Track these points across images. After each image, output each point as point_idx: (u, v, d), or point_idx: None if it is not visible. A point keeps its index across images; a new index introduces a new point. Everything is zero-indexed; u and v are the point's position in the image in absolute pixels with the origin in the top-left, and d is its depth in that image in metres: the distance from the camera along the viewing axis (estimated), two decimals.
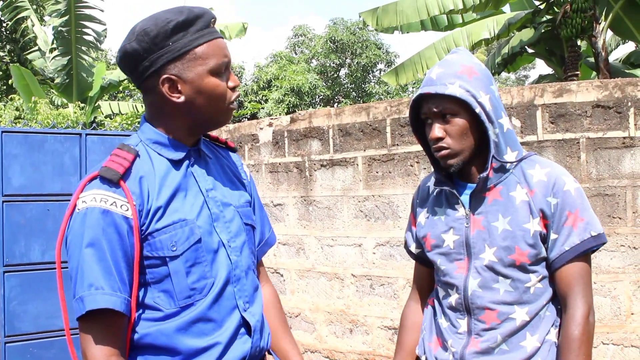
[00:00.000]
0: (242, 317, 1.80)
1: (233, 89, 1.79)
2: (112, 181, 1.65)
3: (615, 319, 4.05)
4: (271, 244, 2.12)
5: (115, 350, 1.61)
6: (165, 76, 1.70)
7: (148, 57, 1.70)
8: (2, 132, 5.23)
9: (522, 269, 1.93)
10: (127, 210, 1.64)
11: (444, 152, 1.96)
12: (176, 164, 1.78)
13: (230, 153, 2.05)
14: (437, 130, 1.95)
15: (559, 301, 1.97)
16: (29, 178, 5.28)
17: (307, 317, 5.37)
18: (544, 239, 1.93)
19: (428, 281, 2.23)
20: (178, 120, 1.77)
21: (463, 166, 1.98)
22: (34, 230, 5.26)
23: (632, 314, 4.04)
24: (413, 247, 2.26)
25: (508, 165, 1.97)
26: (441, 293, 2.09)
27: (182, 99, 1.72)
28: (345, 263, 5.09)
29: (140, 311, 1.69)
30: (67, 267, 1.68)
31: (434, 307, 2.15)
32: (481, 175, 1.96)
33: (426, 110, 1.98)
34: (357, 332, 5.08)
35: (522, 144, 4.26)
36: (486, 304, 1.95)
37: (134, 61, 1.72)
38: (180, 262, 1.69)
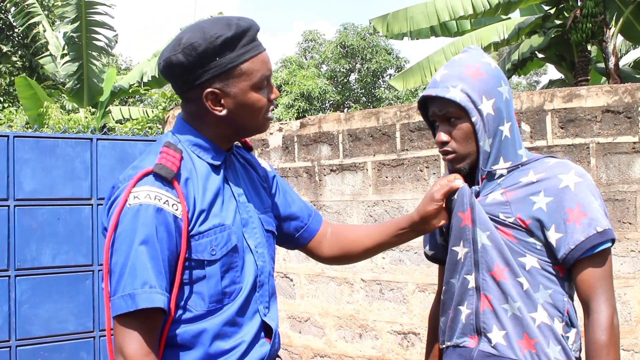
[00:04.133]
0: (262, 322, 1.81)
1: (272, 99, 1.81)
2: (166, 179, 1.65)
3: (625, 325, 4.04)
4: (314, 230, 2.15)
5: (152, 348, 1.62)
6: (209, 90, 1.70)
7: (194, 71, 1.69)
8: (14, 136, 5.27)
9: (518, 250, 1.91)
10: (177, 210, 1.65)
11: (449, 156, 1.96)
12: (215, 168, 1.79)
13: (247, 152, 2.05)
14: (441, 135, 1.94)
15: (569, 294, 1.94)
16: (40, 182, 5.31)
17: (317, 322, 5.37)
18: (531, 231, 1.89)
19: None
20: (217, 129, 1.78)
21: (471, 170, 1.96)
22: (45, 234, 5.28)
23: None
24: (427, 249, 2.25)
25: (497, 174, 1.94)
26: (450, 258, 2.04)
27: (224, 112, 1.73)
28: (354, 268, 5.09)
29: (178, 311, 1.70)
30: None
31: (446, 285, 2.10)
32: (473, 188, 1.95)
33: (431, 113, 1.98)
34: (366, 336, 5.08)
35: (532, 149, 4.26)
36: (495, 259, 1.92)
37: (178, 72, 1.71)
38: (217, 266, 1.71)
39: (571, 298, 1.95)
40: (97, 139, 5.60)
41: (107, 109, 15.16)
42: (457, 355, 2.01)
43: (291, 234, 2.11)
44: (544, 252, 1.89)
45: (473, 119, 1.87)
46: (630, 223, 4.09)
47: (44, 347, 5.23)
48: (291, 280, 5.54)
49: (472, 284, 1.96)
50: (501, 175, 1.94)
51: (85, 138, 5.59)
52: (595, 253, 1.84)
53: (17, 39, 20.80)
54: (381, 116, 5.07)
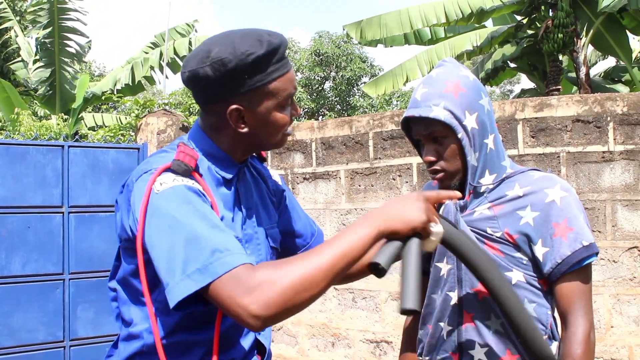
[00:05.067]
0: (256, 340, 1.78)
1: (294, 117, 1.75)
2: (186, 173, 1.58)
3: (595, 332, 4.08)
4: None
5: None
6: (234, 107, 1.63)
7: (220, 86, 1.63)
8: None
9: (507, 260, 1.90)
10: (207, 199, 1.58)
11: (439, 175, 1.92)
12: (226, 181, 1.74)
13: (259, 163, 1.99)
14: (429, 154, 1.90)
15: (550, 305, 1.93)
16: (10, 190, 5.25)
17: (289, 331, 5.36)
18: (518, 246, 1.88)
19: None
20: (235, 142, 1.72)
21: (460, 184, 1.94)
22: (15, 242, 5.22)
23: (612, 327, 4.07)
24: None
25: (483, 189, 1.92)
26: (433, 273, 2.01)
27: (245, 129, 1.67)
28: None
29: (178, 316, 1.64)
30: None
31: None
32: (458, 202, 1.93)
33: (416, 133, 1.93)
34: (339, 345, 5.08)
35: None
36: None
37: (203, 85, 1.64)
38: None
39: (553, 315, 1.95)
40: (69, 146, 5.55)
41: (80, 116, 15.03)
42: None
43: (291, 251, 2.01)
44: (530, 266, 1.89)
45: (459, 135, 1.84)
46: (599, 232, 4.14)
47: (13, 357, 5.17)
48: None
49: (454, 301, 1.95)
50: (487, 188, 1.93)
51: (57, 145, 5.54)
52: (579, 268, 1.85)
53: None
54: (354, 125, 5.08)
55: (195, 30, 16.18)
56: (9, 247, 5.20)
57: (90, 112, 16.01)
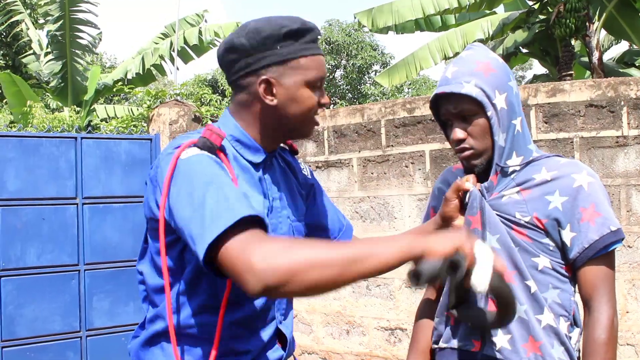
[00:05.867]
0: (277, 329, 1.80)
1: (322, 105, 1.78)
2: (212, 149, 1.62)
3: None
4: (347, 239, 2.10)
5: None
6: (264, 77, 1.69)
7: (253, 55, 1.70)
8: None
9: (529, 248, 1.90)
10: (228, 172, 1.61)
11: (467, 153, 1.91)
12: (254, 167, 1.76)
13: (291, 156, 2.02)
14: (458, 132, 1.90)
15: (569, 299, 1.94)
16: (24, 182, 5.27)
17: (304, 319, 5.38)
18: (547, 231, 1.89)
19: None
20: (264, 122, 1.75)
21: (487, 166, 1.94)
22: (30, 234, 5.25)
23: (627, 312, 4.06)
24: None
25: (510, 170, 1.92)
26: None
27: (274, 102, 1.71)
28: None
29: (199, 298, 1.67)
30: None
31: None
32: (483, 185, 1.94)
33: (444, 112, 1.94)
34: (353, 333, 5.09)
35: None
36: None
37: (238, 55, 1.71)
38: None
39: (576, 301, 1.96)
40: (82, 138, 5.57)
41: (92, 108, 15.07)
42: (458, 358, 2.00)
43: None
44: (557, 252, 1.90)
45: (489, 114, 1.85)
46: None
47: (30, 348, 5.20)
48: None
49: None
50: (514, 171, 1.93)
51: (70, 137, 5.56)
52: (604, 253, 1.86)
53: None
54: (366, 112, 5.07)
55: (205, 20, 16.17)
56: (24, 238, 5.23)
57: (102, 103, 16.05)
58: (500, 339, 1.91)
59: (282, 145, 1.95)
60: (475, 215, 1.94)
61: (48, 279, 5.29)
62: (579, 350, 1.96)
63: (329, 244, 1.48)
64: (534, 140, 4.27)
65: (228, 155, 1.69)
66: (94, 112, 15.26)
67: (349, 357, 5.11)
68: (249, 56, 1.69)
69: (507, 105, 1.88)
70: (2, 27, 17.63)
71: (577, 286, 1.94)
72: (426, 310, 2.23)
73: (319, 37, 1.78)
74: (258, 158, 1.77)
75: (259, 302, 1.73)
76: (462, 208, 1.99)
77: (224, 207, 1.45)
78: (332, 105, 28.63)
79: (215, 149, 1.62)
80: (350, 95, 30.44)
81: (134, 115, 13.52)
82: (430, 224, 2.09)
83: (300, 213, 1.92)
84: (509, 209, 1.91)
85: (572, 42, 10.96)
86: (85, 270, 5.43)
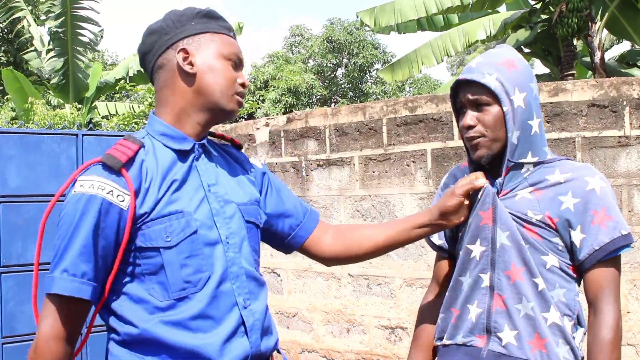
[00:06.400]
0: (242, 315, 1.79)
1: (242, 85, 1.87)
2: (114, 169, 1.69)
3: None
4: (310, 227, 2.13)
5: (66, 333, 1.70)
6: (181, 47, 1.80)
7: (169, 32, 1.82)
8: None
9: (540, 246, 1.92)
10: (123, 201, 1.67)
11: (475, 140, 1.93)
12: (181, 155, 1.81)
13: (236, 150, 2.07)
14: (469, 118, 1.93)
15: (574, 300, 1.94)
16: (26, 179, 5.27)
17: (305, 317, 5.38)
18: (558, 230, 1.91)
19: (449, 274, 2.16)
20: (185, 99, 1.82)
21: (493, 161, 1.95)
22: (31, 231, 5.25)
23: (628, 312, 4.06)
24: (437, 237, 2.20)
25: (523, 169, 1.94)
26: (463, 256, 2.03)
27: (194, 70, 1.79)
28: None
29: (135, 304, 1.71)
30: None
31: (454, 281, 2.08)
32: (497, 180, 1.95)
33: (462, 98, 1.96)
34: (354, 331, 5.09)
35: None
36: (513, 259, 1.92)
37: (157, 36, 1.84)
38: (174, 253, 1.70)
39: (579, 301, 1.97)
40: (83, 135, 5.57)
41: (93, 105, 15.08)
42: (462, 354, 2.00)
43: (286, 233, 2.09)
44: (565, 253, 1.92)
45: (505, 108, 1.87)
46: None
47: (30, 345, 5.21)
48: (278, 275, 5.54)
49: (485, 283, 1.96)
50: (527, 170, 1.95)
51: (71, 134, 5.56)
52: (613, 257, 1.89)
53: (1, 34, 20.64)
54: (368, 111, 5.07)
55: None
56: (24, 235, 5.24)
57: (103, 100, 16.05)
58: (506, 334, 1.91)
59: (223, 141, 2.05)
60: (487, 211, 1.96)
61: None
62: (582, 350, 1.96)
63: None
64: None
65: (144, 159, 1.76)
66: (95, 110, 15.28)
67: (349, 355, 5.11)
68: (166, 34, 1.82)
69: (525, 104, 1.90)
70: (4, 24, 17.62)
71: (583, 287, 1.94)
72: (429, 307, 2.23)
73: (231, 28, 1.91)
74: (186, 145, 1.82)
75: (208, 288, 1.73)
76: (467, 209, 2.01)
77: (56, 270, 1.72)
78: (333, 104, 28.61)
79: (118, 166, 1.69)
80: (352, 94, 30.42)
81: (135, 112, 13.54)
82: (421, 216, 2.07)
83: (251, 198, 1.95)
84: (521, 207, 1.93)
85: (574, 41, 10.94)
86: None
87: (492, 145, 1.92)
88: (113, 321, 1.74)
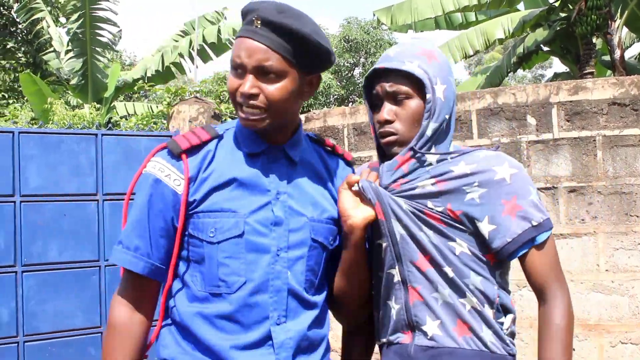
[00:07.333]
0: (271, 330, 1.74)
1: (242, 94, 1.69)
2: (174, 154, 1.73)
3: (633, 318, 4.03)
4: None
5: (129, 303, 1.75)
6: None
7: None
8: (19, 132, 5.26)
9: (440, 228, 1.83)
10: (180, 185, 1.71)
11: (390, 138, 1.84)
12: (253, 157, 1.77)
13: (344, 164, 2.00)
14: (386, 112, 1.82)
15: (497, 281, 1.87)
16: (46, 178, 5.31)
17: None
18: (461, 222, 1.82)
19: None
20: None
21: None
22: (51, 230, 5.29)
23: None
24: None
25: (426, 163, 1.85)
26: (376, 251, 1.94)
27: None
28: None
29: (181, 286, 1.76)
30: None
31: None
32: (386, 163, 1.86)
33: (378, 89, 1.84)
34: None
35: (538, 142, 4.25)
36: (416, 249, 1.83)
37: None
38: (215, 249, 1.70)
39: (503, 287, 1.89)
40: (102, 135, 5.60)
41: (112, 105, 15.16)
42: (392, 353, 1.91)
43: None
44: (473, 240, 1.83)
45: (428, 96, 1.79)
46: (637, 216, 4.08)
47: (52, 343, 5.24)
48: None
49: (397, 278, 1.87)
50: (430, 164, 1.85)
51: (90, 134, 5.59)
52: (538, 244, 1.81)
53: (20, 35, 20.79)
54: None
55: (225, 18, 16.18)
56: (45, 235, 5.27)
57: (121, 100, 16.14)
58: (429, 326, 1.84)
59: (332, 153, 1.98)
60: (375, 206, 1.84)
61: (69, 275, 5.32)
62: (513, 335, 1.91)
63: None
64: (555, 139, 4.27)
65: (210, 151, 1.76)
66: (114, 109, 15.36)
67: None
68: None
69: (444, 97, 1.83)
70: (24, 25, 17.77)
71: (499, 275, 1.87)
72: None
73: (258, 17, 1.67)
74: (255, 148, 1.78)
75: (242, 293, 1.71)
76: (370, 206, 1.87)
77: (119, 243, 1.77)
78: (350, 103, 28.60)
79: (178, 151, 1.73)
80: None
81: (153, 112, 13.59)
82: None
83: (327, 216, 1.86)
84: (421, 199, 1.84)
85: (594, 39, 10.86)
86: (106, 266, 5.46)
87: (405, 142, 1.84)
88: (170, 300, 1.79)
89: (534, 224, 1.79)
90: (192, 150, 1.74)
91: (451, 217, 1.82)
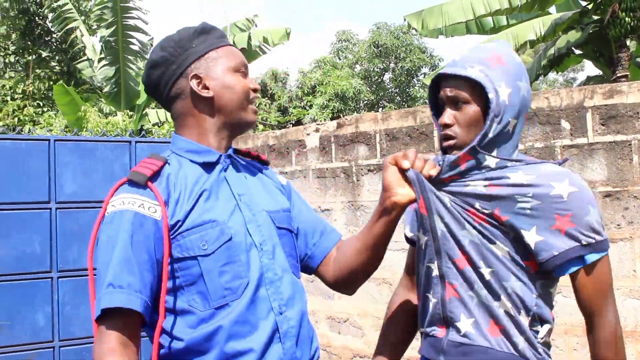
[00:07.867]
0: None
1: (254, 90, 1.90)
2: (140, 183, 1.73)
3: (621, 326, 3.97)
4: (328, 246, 2.06)
5: (121, 347, 1.62)
6: (193, 73, 1.84)
7: (175, 61, 1.85)
8: (55, 140, 5.34)
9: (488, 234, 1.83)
10: (155, 212, 1.70)
11: (450, 142, 1.85)
12: (208, 168, 1.85)
13: (261, 165, 2.09)
14: (446, 116, 1.85)
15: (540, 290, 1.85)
16: (81, 185, 5.38)
17: (356, 322, 5.37)
18: (505, 227, 1.80)
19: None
20: (207, 121, 1.86)
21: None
22: (86, 236, 5.34)
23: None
24: (408, 230, 2.15)
25: (484, 164, 1.84)
26: (417, 244, 1.98)
27: (210, 93, 1.83)
28: (393, 267, 5.07)
29: (176, 317, 1.73)
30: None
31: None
32: (447, 157, 1.85)
33: (441, 94, 1.87)
34: None
35: (572, 146, 4.21)
36: (456, 247, 1.85)
37: (163, 68, 1.86)
38: (211, 261, 1.72)
39: (543, 299, 1.85)
40: (136, 142, 5.66)
41: (144, 112, 15.31)
42: (428, 344, 1.96)
43: (302, 252, 2.05)
44: (514, 247, 1.81)
45: (490, 96, 1.77)
46: None
47: (86, 348, 5.30)
48: None
49: (435, 272, 1.89)
50: (488, 166, 1.84)
51: (124, 141, 5.66)
52: (588, 265, 1.78)
53: (55, 44, 21.10)
54: (418, 115, 5.04)
55: (255, 25, 16.28)
56: (80, 241, 5.34)
57: (153, 108, 16.28)
58: (463, 323, 1.85)
59: (248, 157, 2.06)
60: (419, 200, 1.85)
61: None
62: (549, 348, 1.89)
63: None
64: (590, 144, 4.22)
65: (171, 173, 1.79)
66: (146, 117, 15.50)
67: None
68: (172, 63, 1.84)
69: (509, 101, 1.80)
70: (59, 34, 18.02)
71: (540, 285, 1.84)
72: (395, 299, 2.25)
73: (224, 35, 1.93)
74: (211, 157, 1.85)
75: (247, 294, 1.74)
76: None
77: (100, 290, 1.65)
78: (380, 109, 28.55)
79: (144, 180, 1.72)
80: (399, 99, 30.29)
81: None
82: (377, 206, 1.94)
83: (282, 206, 1.98)
84: (469, 198, 1.84)
85: (628, 42, 10.73)
86: None
87: (463, 146, 1.83)
88: (160, 338, 1.74)
89: (584, 243, 1.76)
90: (154, 177, 1.76)
91: (496, 221, 1.81)
